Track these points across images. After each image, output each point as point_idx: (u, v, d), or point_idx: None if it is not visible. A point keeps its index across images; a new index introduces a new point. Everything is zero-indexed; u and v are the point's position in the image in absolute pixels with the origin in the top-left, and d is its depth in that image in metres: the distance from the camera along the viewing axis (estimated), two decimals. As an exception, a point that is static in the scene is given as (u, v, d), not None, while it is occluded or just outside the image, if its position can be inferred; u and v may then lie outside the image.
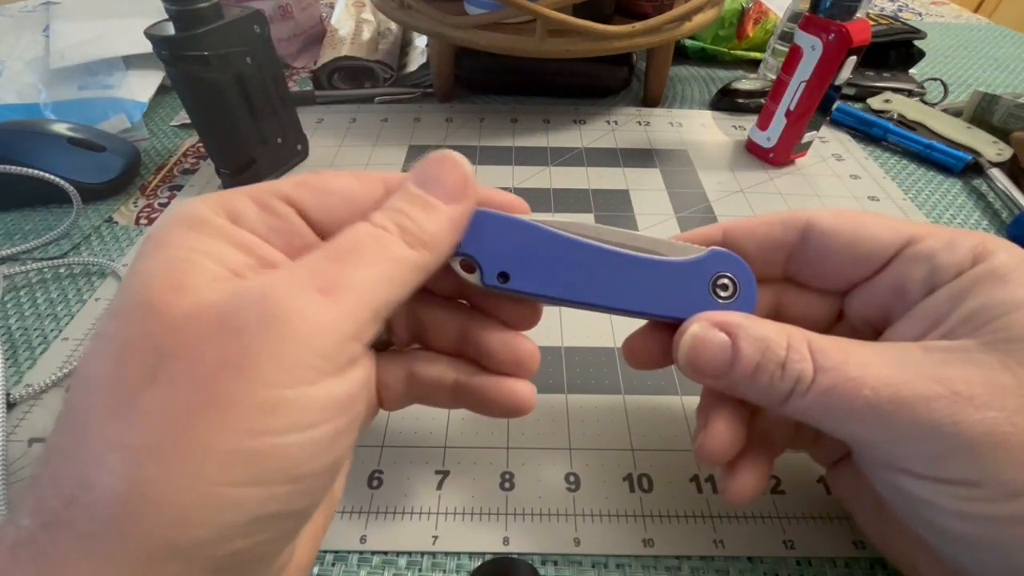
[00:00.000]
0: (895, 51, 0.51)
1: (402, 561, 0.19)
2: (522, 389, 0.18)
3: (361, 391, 0.14)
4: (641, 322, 0.19)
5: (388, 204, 0.14)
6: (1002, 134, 0.39)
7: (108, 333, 0.12)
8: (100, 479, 0.10)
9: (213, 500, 0.10)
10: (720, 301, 0.17)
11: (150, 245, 0.13)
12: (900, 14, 0.72)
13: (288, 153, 0.38)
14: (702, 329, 0.16)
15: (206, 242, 0.12)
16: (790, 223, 0.18)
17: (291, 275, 0.12)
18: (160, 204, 0.35)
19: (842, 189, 0.38)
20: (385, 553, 0.20)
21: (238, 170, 0.35)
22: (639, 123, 0.45)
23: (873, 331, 0.17)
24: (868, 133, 0.43)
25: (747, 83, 0.47)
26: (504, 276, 0.16)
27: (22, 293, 0.29)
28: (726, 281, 0.17)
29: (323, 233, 0.15)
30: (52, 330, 0.27)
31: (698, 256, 0.17)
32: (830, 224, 0.17)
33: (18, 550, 0.10)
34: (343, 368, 0.12)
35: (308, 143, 0.39)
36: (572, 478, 0.22)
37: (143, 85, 0.45)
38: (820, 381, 0.14)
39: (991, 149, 0.39)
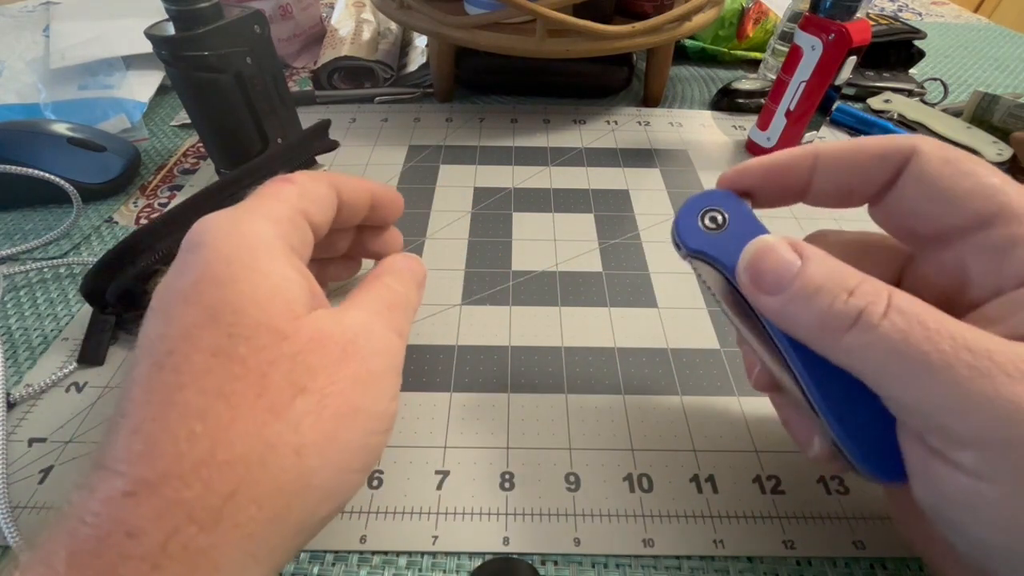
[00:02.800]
0: (895, 51, 0.51)
1: (402, 561, 0.19)
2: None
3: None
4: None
5: (398, 278, 0.19)
6: (1002, 134, 0.39)
7: (239, 353, 0.13)
8: (265, 475, 0.12)
9: (345, 483, 0.14)
10: (705, 232, 0.17)
11: (232, 265, 0.14)
12: (900, 14, 0.72)
13: (288, 153, 0.38)
14: (774, 240, 0.15)
15: (287, 270, 0.15)
16: (890, 155, 0.15)
17: (380, 318, 0.17)
18: (160, 204, 0.35)
19: (842, 189, 0.38)
20: (385, 553, 0.20)
21: (238, 170, 0.35)
22: (639, 123, 0.45)
23: None
24: (868, 133, 0.43)
25: (747, 83, 0.47)
26: None
27: (22, 293, 0.29)
28: (716, 215, 0.17)
29: (315, 231, 0.18)
30: (52, 330, 0.27)
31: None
32: (934, 168, 0.15)
33: (170, 548, 0.11)
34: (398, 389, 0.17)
35: (308, 143, 0.39)
36: (572, 478, 0.22)
37: (143, 85, 0.45)
38: (894, 319, 0.12)
39: (991, 149, 0.39)
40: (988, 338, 0.12)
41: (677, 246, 0.18)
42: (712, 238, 0.17)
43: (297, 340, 0.14)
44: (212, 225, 0.15)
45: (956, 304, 0.15)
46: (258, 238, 0.15)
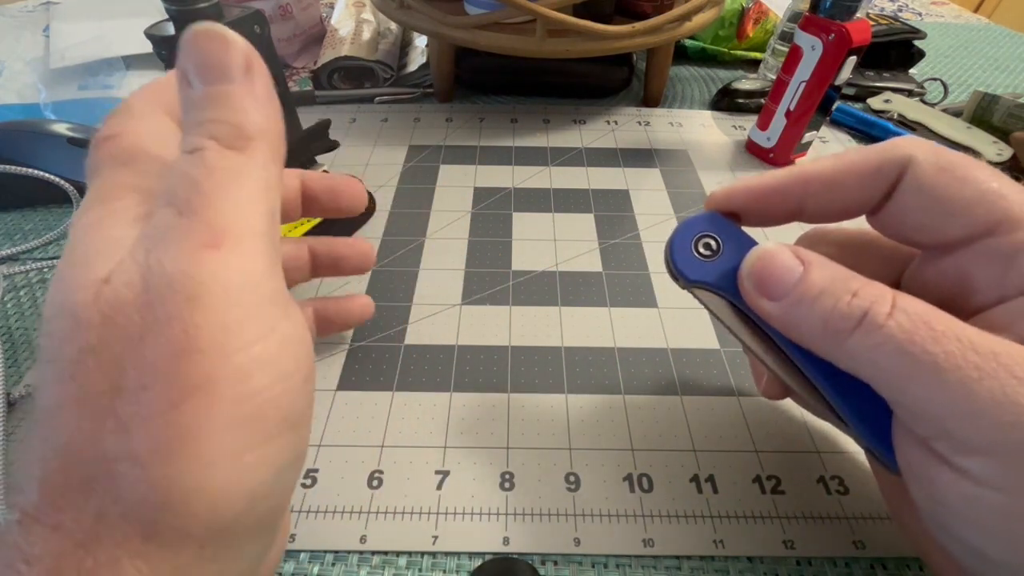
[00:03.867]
0: (895, 51, 0.51)
1: (402, 561, 0.19)
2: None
3: (303, 321, 0.14)
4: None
5: (187, 122, 0.13)
6: (1002, 134, 0.39)
7: (52, 356, 0.11)
8: (119, 492, 0.10)
9: (240, 469, 0.11)
10: (701, 260, 0.17)
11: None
12: (900, 14, 0.72)
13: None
14: (775, 247, 0.15)
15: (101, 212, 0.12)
16: (884, 170, 0.15)
17: (169, 242, 0.11)
18: (160, 204, 0.35)
19: (842, 189, 0.38)
20: (385, 553, 0.20)
21: (238, 170, 0.35)
22: (639, 123, 0.45)
23: None
24: (868, 133, 0.43)
25: (747, 83, 0.47)
26: None
27: (22, 293, 0.29)
28: (709, 240, 0.17)
29: None
30: (52, 330, 0.27)
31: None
32: (931, 178, 0.14)
33: None
34: (283, 305, 0.12)
35: (308, 143, 0.39)
36: (572, 478, 0.22)
37: (143, 85, 0.45)
38: (900, 319, 0.12)
39: (991, 149, 0.39)
40: (995, 340, 0.12)
41: (674, 277, 0.17)
42: (709, 265, 0.17)
43: (89, 320, 0.11)
44: None
45: (957, 308, 0.15)
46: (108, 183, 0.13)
